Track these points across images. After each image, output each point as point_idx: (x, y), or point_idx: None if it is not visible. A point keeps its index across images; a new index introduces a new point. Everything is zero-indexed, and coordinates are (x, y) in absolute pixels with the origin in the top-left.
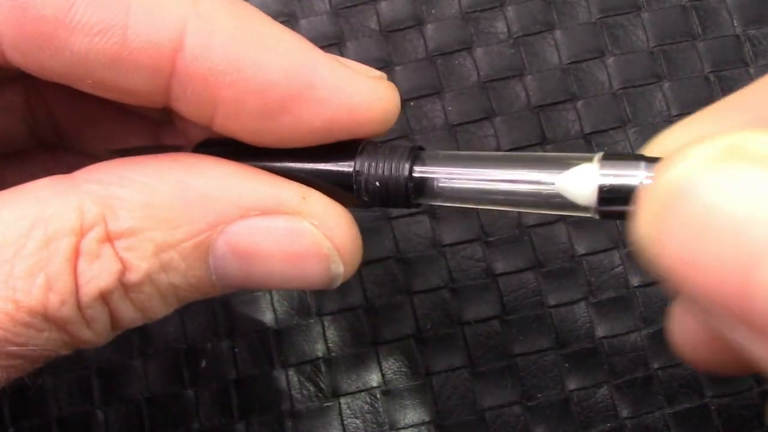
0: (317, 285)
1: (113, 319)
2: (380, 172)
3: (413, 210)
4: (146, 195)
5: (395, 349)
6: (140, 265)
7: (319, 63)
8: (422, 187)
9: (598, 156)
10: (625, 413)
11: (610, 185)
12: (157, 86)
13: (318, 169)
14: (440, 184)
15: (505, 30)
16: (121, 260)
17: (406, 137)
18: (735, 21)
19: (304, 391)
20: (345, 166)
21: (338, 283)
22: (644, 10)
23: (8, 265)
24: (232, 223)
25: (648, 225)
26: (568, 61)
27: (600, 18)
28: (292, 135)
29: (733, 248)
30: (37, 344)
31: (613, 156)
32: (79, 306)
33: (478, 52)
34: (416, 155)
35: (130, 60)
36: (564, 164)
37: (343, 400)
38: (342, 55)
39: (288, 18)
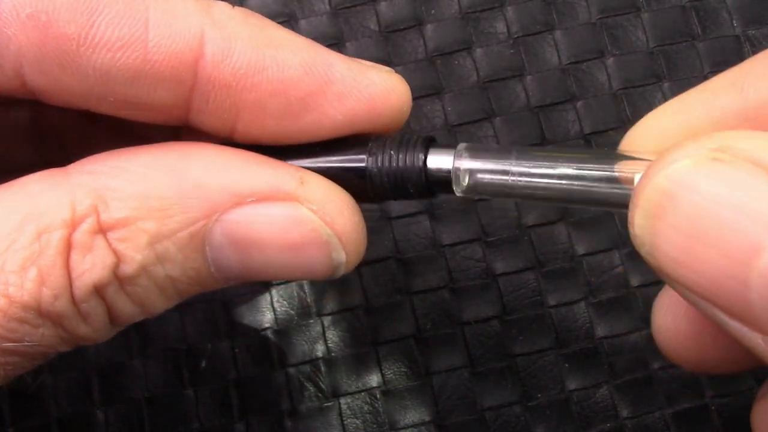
0: (319, 274)
1: (111, 314)
2: (394, 163)
3: (424, 200)
4: (138, 184)
5: (395, 349)
6: (134, 257)
7: (335, 60)
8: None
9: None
10: (625, 413)
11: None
12: (178, 98)
13: (329, 166)
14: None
15: (505, 30)
16: (115, 252)
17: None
18: (735, 21)
19: (304, 391)
20: (357, 161)
21: (342, 272)
22: (644, 10)
23: (0, 259)
24: (227, 211)
25: (642, 226)
26: (568, 62)
27: (600, 18)
28: (314, 133)
29: (728, 245)
30: (32, 340)
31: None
32: (73, 300)
33: (478, 52)
34: (429, 144)
35: (152, 73)
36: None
37: (343, 400)
38: None
39: (288, 18)
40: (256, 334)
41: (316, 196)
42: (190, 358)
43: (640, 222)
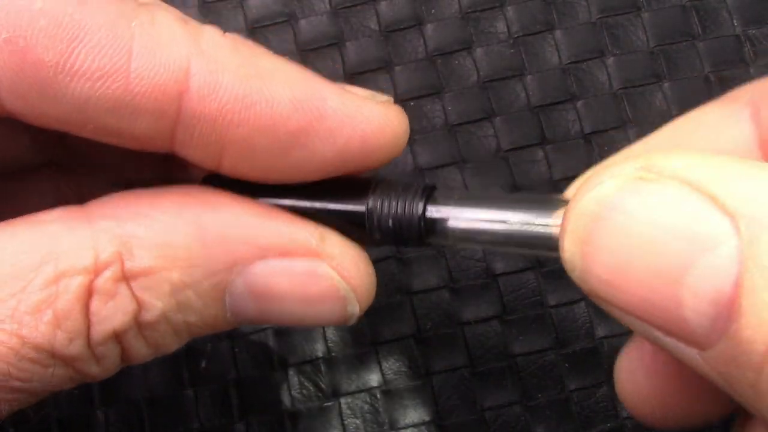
0: (332, 323)
1: (124, 355)
2: (393, 211)
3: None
4: (164, 234)
5: (395, 349)
6: (156, 305)
7: (328, 93)
8: (435, 227)
9: None
10: (625, 413)
11: None
12: (161, 131)
13: (330, 208)
14: (453, 225)
15: (505, 30)
16: (138, 300)
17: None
18: (735, 21)
19: (304, 391)
20: (357, 205)
21: (353, 321)
22: (644, 10)
23: (15, 299)
24: (250, 264)
25: (572, 251)
26: (568, 61)
27: (600, 18)
28: (304, 169)
29: (657, 265)
30: (42, 380)
31: None
32: (89, 344)
33: (478, 52)
34: (429, 195)
35: (134, 105)
36: None
37: (343, 400)
38: (342, 55)
39: (288, 18)
40: (256, 334)
41: (335, 252)
42: (190, 359)
43: (569, 247)
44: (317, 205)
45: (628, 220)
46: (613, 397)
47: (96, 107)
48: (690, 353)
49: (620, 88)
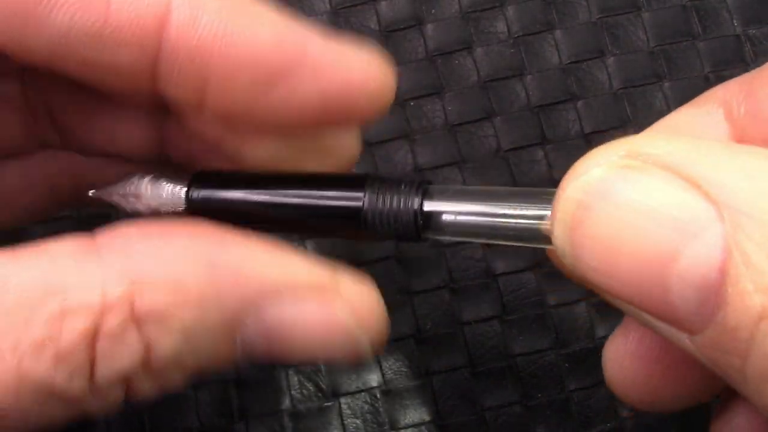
0: (342, 361)
1: (129, 393)
2: (389, 206)
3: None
4: (175, 274)
5: (395, 349)
6: (166, 347)
7: (310, 36)
8: (431, 222)
9: None
10: (625, 413)
11: None
12: (143, 64)
13: (325, 204)
14: (450, 219)
15: (505, 30)
16: (146, 342)
17: (406, 137)
18: (735, 21)
19: (304, 391)
20: (352, 201)
21: (363, 359)
22: (644, 10)
23: (17, 332)
24: (263, 305)
25: (562, 238)
26: (568, 61)
27: (600, 18)
28: (287, 109)
29: (645, 252)
30: (38, 416)
31: None
32: (92, 383)
33: (478, 52)
34: (425, 190)
35: (114, 37)
36: None
37: (343, 400)
38: None
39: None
40: None
41: (348, 293)
42: None
43: (559, 234)
44: (312, 201)
45: (614, 209)
46: (613, 397)
47: (76, 40)
48: (681, 337)
49: (620, 88)
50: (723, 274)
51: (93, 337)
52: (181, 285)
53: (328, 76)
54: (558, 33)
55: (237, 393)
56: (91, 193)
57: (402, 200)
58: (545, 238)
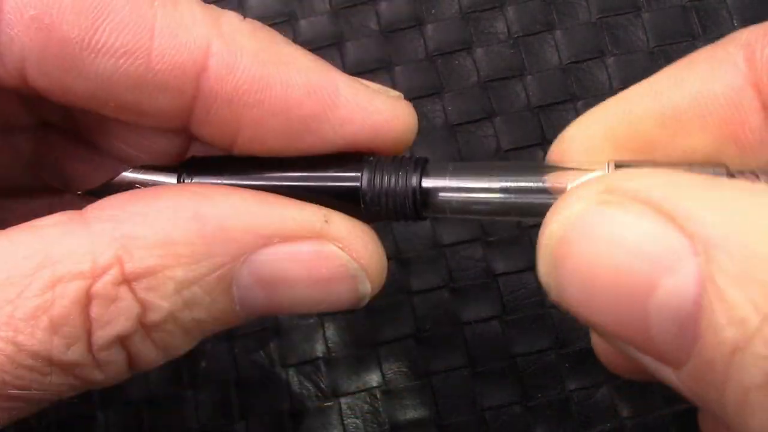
0: (345, 306)
1: (131, 360)
2: (387, 185)
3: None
4: (162, 231)
5: (395, 349)
6: (162, 305)
7: (341, 83)
8: (430, 199)
9: (610, 165)
10: (625, 413)
11: None
12: (180, 107)
13: (322, 185)
14: (448, 196)
15: (505, 30)
16: (141, 301)
17: None
18: (735, 21)
19: (304, 391)
20: (351, 180)
21: (366, 301)
22: (644, 10)
23: (11, 305)
24: (255, 252)
25: (547, 273)
26: (568, 61)
27: (600, 18)
28: (315, 151)
29: (624, 287)
30: (40, 387)
31: (624, 163)
32: (90, 349)
33: (478, 52)
34: (423, 167)
35: (155, 82)
36: (575, 172)
37: (343, 400)
38: (342, 55)
39: (288, 18)
40: (256, 334)
41: (341, 233)
42: (189, 359)
43: (543, 269)
44: (309, 183)
45: (593, 243)
46: (613, 397)
47: (118, 84)
48: (667, 372)
49: (620, 88)
50: (698, 307)
51: (86, 303)
52: (170, 242)
53: (357, 123)
54: (558, 33)
55: (237, 393)
56: (79, 193)
57: (400, 179)
58: (545, 211)
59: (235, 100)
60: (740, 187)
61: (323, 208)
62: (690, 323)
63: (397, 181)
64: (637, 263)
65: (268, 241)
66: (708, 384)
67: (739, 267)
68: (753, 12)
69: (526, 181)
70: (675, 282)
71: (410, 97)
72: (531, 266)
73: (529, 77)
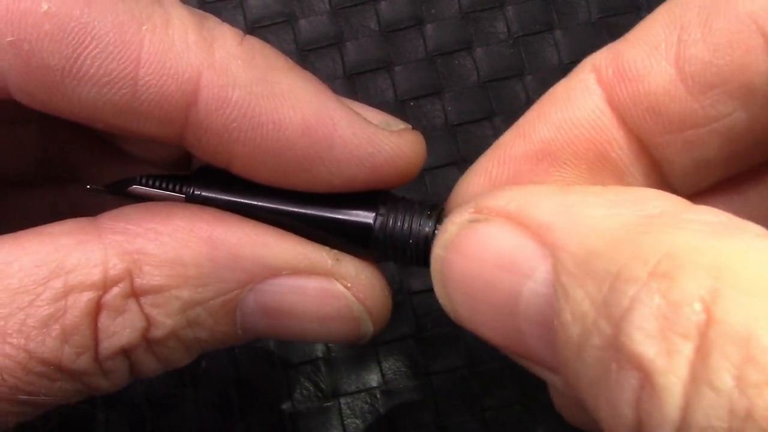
0: (344, 342)
1: (133, 370)
2: (400, 228)
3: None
4: (174, 251)
5: (395, 349)
6: (166, 322)
7: (339, 119)
8: None
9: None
10: None
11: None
12: (170, 133)
13: (333, 220)
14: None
15: (505, 30)
16: (147, 316)
17: None
18: None
19: (304, 391)
20: (364, 218)
21: (367, 340)
22: (644, 10)
23: (23, 313)
24: (262, 282)
25: (439, 294)
26: (568, 61)
27: (600, 18)
28: (311, 187)
29: (496, 298)
30: (49, 393)
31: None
32: (97, 359)
33: (478, 52)
34: (439, 216)
35: (141, 111)
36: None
37: (343, 400)
38: (342, 55)
39: (288, 18)
40: None
41: (350, 273)
42: None
43: (436, 291)
44: (319, 214)
45: (467, 262)
46: None
47: (104, 110)
48: (554, 379)
49: None
50: (551, 308)
51: (96, 312)
52: (180, 263)
53: (353, 164)
54: (558, 33)
55: (237, 393)
56: (88, 187)
57: (413, 224)
58: None
59: (225, 135)
60: (588, 191)
61: (334, 249)
62: (550, 325)
63: (410, 227)
64: (503, 274)
65: (276, 272)
66: (572, 383)
67: (578, 265)
68: None
69: None
70: (532, 286)
71: (410, 97)
72: None
73: (528, 77)
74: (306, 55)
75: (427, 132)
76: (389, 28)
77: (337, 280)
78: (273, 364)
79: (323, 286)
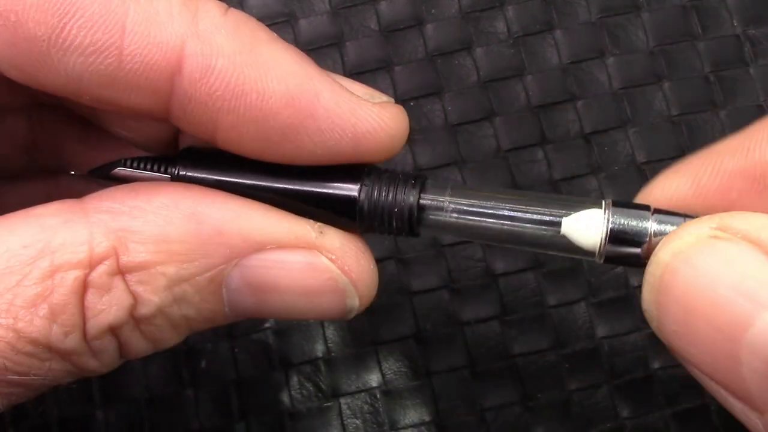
0: (332, 317)
1: (122, 349)
2: (384, 199)
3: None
4: (159, 227)
5: (395, 349)
6: (152, 299)
7: (322, 90)
8: (427, 218)
9: (606, 202)
10: (625, 413)
11: (617, 233)
12: (156, 105)
13: (319, 193)
14: (446, 217)
15: (505, 30)
16: (133, 294)
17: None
18: (735, 21)
19: (304, 391)
20: (348, 190)
21: (353, 315)
22: (644, 10)
23: (11, 293)
24: (247, 257)
25: (648, 300)
26: (568, 61)
27: (600, 18)
28: (294, 158)
29: (720, 320)
30: (39, 373)
31: (621, 203)
32: (85, 338)
33: (478, 52)
34: (423, 185)
35: (127, 81)
36: (572, 206)
37: (343, 400)
38: (342, 55)
39: (288, 18)
40: (256, 334)
41: (334, 246)
42: (190, 359)
43: (646, 296)
44: (305, 189)
45: (698, 275)
46: (613, 397)
47: (90, 81)
48: (752, 417)
49: (620, 88)
50: None
51: (82, 290)
52: (165, 239)
53: (336, 134)
54: (558, 33)
55: (237, 393)
56: (75, 173)
57: (398, 194)
58: (541, 242)
59: (209, 104)
60: None
61: (318, 222)
62: None
63: (395, 197)
64: (736, 297)
65: (261, 246)
66: None
67: None
68: (753, 12)
69: (519, 210)
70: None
71: (410, 97)
72: (531, 266)
73: (528, 77)
74: (306, 54)
75: (427, 132)
76: (389, 28)
77: (321, 252)
78: (273, 364)
79: (308, 259)
